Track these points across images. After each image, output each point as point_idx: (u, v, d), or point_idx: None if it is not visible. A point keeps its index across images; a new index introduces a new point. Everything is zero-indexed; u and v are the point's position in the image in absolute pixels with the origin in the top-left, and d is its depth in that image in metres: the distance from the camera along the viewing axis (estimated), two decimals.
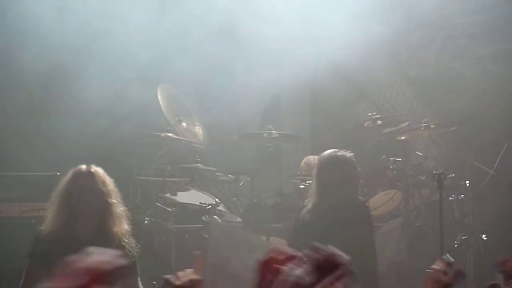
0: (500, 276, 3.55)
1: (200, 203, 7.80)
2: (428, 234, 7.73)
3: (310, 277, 2.12)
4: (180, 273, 3.06)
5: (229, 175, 8.31)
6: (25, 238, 5.32)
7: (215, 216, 7.57)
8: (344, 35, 8.39)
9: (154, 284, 4.08)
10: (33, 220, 6.51)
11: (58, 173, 5.25)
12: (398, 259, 7.36)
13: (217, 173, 8.44)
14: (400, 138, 8.35)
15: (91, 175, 5.06)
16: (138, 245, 5.18)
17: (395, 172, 8.19)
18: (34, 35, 7.90)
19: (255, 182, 8.34)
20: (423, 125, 8.20)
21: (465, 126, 8.81)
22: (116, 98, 8.61)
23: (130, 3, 8.34)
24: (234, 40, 8.89)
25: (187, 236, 7.69)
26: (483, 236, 7.88)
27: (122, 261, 2.35)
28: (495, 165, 8.58)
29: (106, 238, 4.98)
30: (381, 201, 8.10)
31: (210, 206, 7.68)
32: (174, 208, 7.79)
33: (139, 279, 5.13)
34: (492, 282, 3.17)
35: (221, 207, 8.04)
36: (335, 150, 6.28)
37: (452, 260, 2.85)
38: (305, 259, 2.24)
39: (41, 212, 6.02)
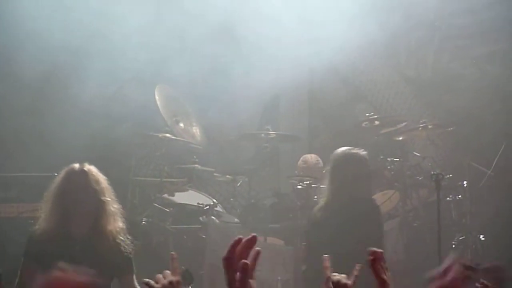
0: None
1: (198, 203, 7.79)
2: (426, 235, 7.72)
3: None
4: (159, 276, 3.11)
5: (227, 176, 8.31)
6: (23, 238, 5.30)
7: (212, 217, 7.57)
8: (343, 36, 8.40)
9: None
10: (31, 221, 6.49)
11: (56, 174, 5.22)
12: (395, 260, 7.35)
13: (214, 174, 8.44)
14: (398, 138, 8.35)
15: (84, 173, 5.04)
16: (134, 243, 5.16)
17: (393, 173, 8.18)
18: (31, 36, 7.90)
19: (252, 183, 8.34)
20: (421, 125, 8.19)
21: (463, 127, 8.80)
22: (114, 98, 8.62)
23: (128, 4, 8.34)
24: (233, 41, 8.90)
25: (185, 237, 7.68)
26: (481, 236, 7.88)
27: (97, 280, 2.36)
28: (493, 166, 8.58)
29: (101, 236, 4.98)
30: (379, 201, 8.06)
31: (208, 207, 7.67)
32: (172, 209, 7.77)
33: (134, 276, 5.12)
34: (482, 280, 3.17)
35: (218, 208, 8.02)
36: (349, 148, 6.24)
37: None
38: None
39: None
